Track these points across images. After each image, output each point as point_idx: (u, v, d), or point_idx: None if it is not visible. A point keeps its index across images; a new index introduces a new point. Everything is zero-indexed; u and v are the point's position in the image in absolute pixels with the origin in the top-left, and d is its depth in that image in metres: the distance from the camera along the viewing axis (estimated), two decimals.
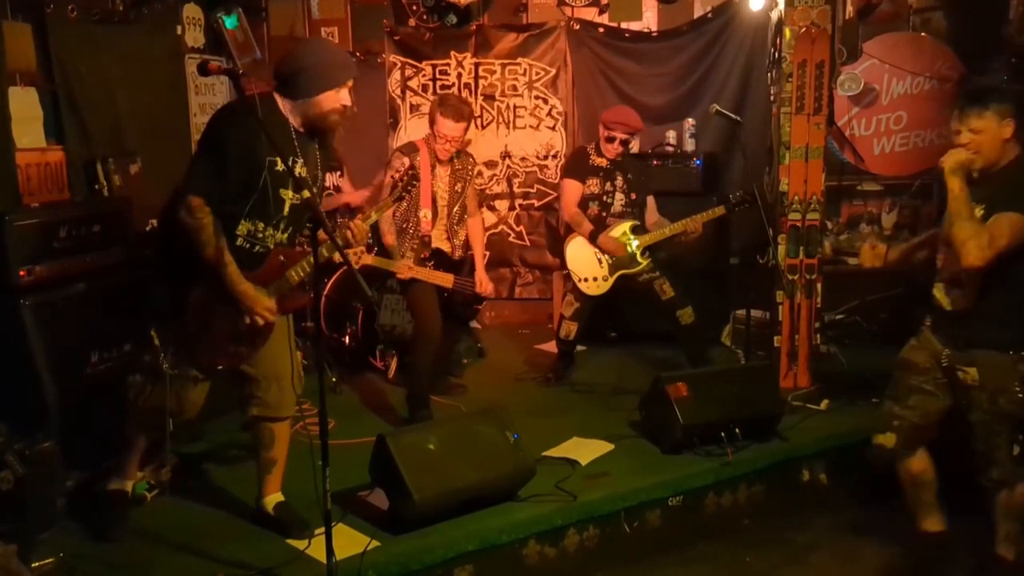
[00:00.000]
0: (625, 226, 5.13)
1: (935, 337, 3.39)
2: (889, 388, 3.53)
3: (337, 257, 3.62)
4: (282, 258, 3.24)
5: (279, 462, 3.50)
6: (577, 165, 5.27)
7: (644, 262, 5.10)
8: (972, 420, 3.30)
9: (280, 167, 3.10)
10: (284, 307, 3.29)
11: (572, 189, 5.21)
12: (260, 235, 3.18)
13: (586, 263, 5.14)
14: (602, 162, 5.20)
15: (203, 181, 3.06)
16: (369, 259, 4.46)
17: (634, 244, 5.08)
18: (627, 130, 5.12)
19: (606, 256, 5.11)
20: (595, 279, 5.14)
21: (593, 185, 5.19)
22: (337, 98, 3.16)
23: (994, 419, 3.24)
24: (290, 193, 3.19)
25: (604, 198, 5.20)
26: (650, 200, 5.34)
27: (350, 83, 3.20)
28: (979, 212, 3.13)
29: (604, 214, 5.20)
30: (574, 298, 5.23)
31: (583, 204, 5.20)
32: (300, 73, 3.11)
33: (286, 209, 3.20)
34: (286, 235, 3.26)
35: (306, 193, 2.98)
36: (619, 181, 5.21)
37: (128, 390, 3.39)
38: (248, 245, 3.17)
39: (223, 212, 3.08)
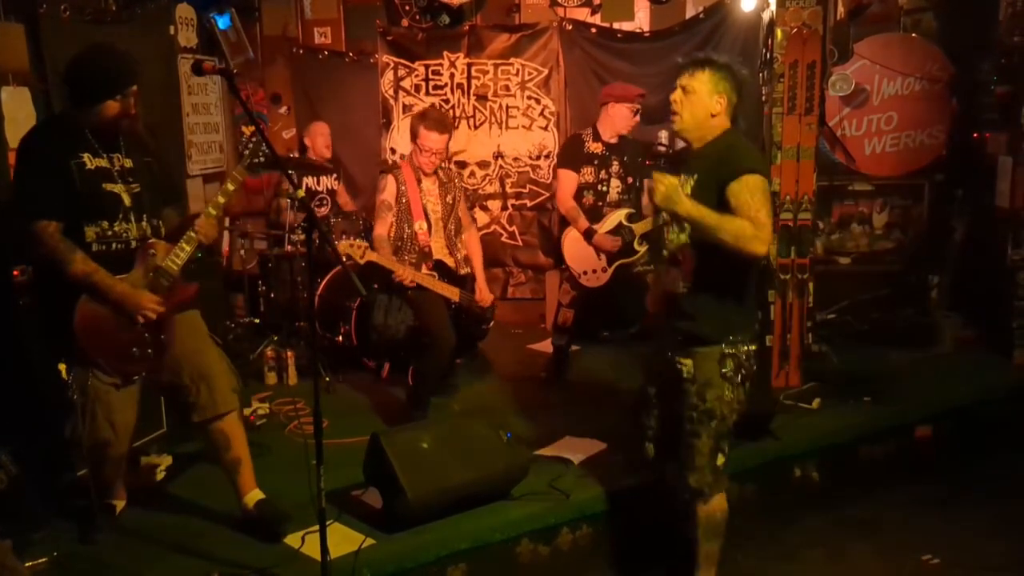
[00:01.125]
0: (620, 215, 5.10)
1: (661, 341, 3.29)
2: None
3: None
4: (152, 252, 3.23)
5: (243, 459, 3.45)
6: (572, 154, 5.20)
7: (641, 250, 5.08)
8: (681, 417, 3.15)
9: (91, 165, 3.14)
10: (173, 300, 3.25)
11: (567, 180, 5.14)
12: (110, 233, 3.18)
13: (584, 257, 5.11)
14: (597, 148, 5.14)
15: (31, 203, 3.09)
16: (373, 256, 4.44)
17: (630, 233, 5.06)
18: (642, 99, 5.12)
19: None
20: (594, 271, 5.12)
21: (588, 174, 5.13)
22: (118, 107, 3.15)
23: (698, 416, 3.09)
24: (120, 186, 3.20)
25: (599, 187, 5.14)
26: (647, 182, 5.28)
27: (132, 89, 3.18)
28: (690, 185, 3.01)
29: (600, 203, 5.14)
30: (571, 287, 5.22)
31: (578, 193, 5.13)
32: (78, 83, 3.11)
33: (127, 200, 3.21)
34: (144, 224, 3.25)
35: (300, 193, 2.98)
36: (615, 167, 5.17)
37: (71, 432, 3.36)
38: (103, 247, 3.16)
39: (66, 227, 3.09)
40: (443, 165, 4.81)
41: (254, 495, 3.47)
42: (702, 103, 3.02)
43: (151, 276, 3.21)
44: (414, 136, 4.65)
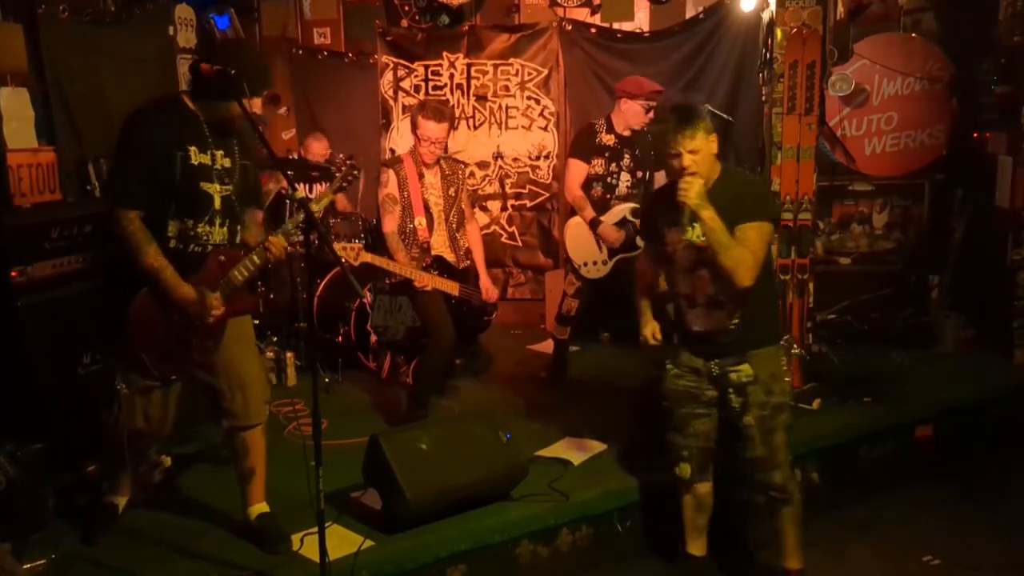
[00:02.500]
0: (626, 209, 5.08)
1: (695, 355, 3.35)
2: (669, 420, 3.46)
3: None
4: (222, 258, 3.21)
5: (258, 471, 3.45)
6: (584, 144, 5.17)
7: (643, 246, 5.05)
8: (748, 423, 3.26)
9: (195, 160, 3.10)
10: (231, 309, 3.23)
11: (577, 170, 5.12)
12: (192, 233, 3.15)
13: (585, 248, 5.11)
14: (610, 140, 5.11)
15: (121, 188, 3.08)
16: (367, 257, 4.43)
17: (634, 228, 5.03)
18: (657, 96, 5.08)
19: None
20: (595, 263, 5.12)
21: (598, 165, 5.10)
22: (248, 106, 3.11)
23: (771, 412, 3.24)
24: (216, 186, 3.17)
25: (609, 179, 5.11)
26: (659, 176, 5.20)
27: (265, 93, 3.20)
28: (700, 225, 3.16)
29: (608, 196, 5.10)
30: (575, 278, 5.21)
31: (587, 185, 5.10)
32: (217, 76, 3.06)
33: (216, 203, 3.18)
34: (224, 229, 3.23)
35: (299, 194, 2.98)
36: (626, 160, 5.14)
37: (105, 419, 3.37)
38: (181, 245, 3.14)
39: (150, 215, 3.07)
40: (446, 156, 4.79)
41: (259, 507, 3.45)
42: (708, 152, 3.20)
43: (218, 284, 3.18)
44: (414, 127, 4.62)
